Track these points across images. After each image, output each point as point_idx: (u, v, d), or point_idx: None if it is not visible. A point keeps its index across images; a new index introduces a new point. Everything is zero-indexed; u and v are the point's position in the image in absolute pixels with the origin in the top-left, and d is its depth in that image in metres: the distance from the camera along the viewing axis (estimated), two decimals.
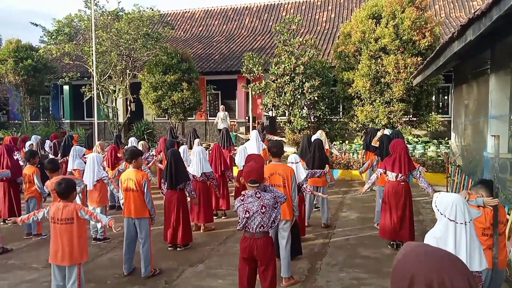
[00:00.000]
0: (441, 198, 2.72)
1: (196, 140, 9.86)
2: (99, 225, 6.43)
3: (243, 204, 3.74)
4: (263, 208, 3.68)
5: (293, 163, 5.75)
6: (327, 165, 6.97)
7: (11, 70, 18.24)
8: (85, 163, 7.16)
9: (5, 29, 58.69)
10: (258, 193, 3.74)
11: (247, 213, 3.70)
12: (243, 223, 3.75)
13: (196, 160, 6.80)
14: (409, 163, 5.79)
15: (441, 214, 2.66)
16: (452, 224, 2.60)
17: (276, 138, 11.87)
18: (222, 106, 17.12)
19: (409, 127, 13.15)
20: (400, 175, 5.75)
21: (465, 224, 2.60)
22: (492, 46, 6.16)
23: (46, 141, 11.11)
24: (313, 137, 8.04)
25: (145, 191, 5.03)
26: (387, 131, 8.90)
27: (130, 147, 5.43)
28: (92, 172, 6.38)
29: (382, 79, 12.34)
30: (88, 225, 6.45)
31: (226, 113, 16.55)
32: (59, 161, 5.93)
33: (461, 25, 4.99)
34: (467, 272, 1.17)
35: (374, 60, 12.41)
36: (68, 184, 4.05)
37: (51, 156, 9.86)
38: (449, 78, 12.55)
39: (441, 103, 17.07)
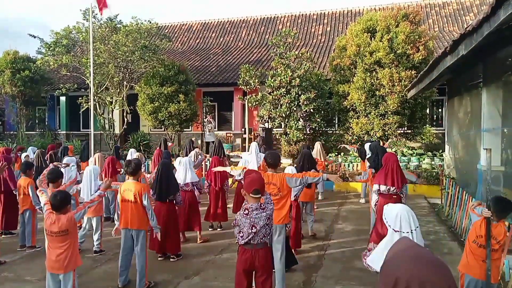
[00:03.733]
0: (387, 210, 2.81)
1: (193, 152, 9.88)
2: (95, 237, 6.40)
3: (249, 219, 3.59)
4: (268, 219, 3.63)
5: None
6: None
7: (8, 81, 18.28)
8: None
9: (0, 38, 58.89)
10: (262, 204, 3.63)
11: (253, 228, 3.56)
12: (250, 237, 3.60)
13: (181, 170, 6.85)
14: (401, 176, 5.82)
15: (389, 225, 2.74)
16: (397, 235, 2.66)
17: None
18: (207, 118, 17.11)
19: (404, 139, 13.26)
20: (392, 188, 5.77)
21: (411, 233, 2.66)
22: (484, 61, 6.28)
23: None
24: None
25: (146, 204, 4.99)
26: (367, 145, 8.91)
27: (133, 159, 5.43)
28: (89, 185, 6.35)
29: (377, 92, 12.47)
30: (84, 238, 6.45)
31: (211, 124, 16.53)
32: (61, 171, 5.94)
33: (453, 40, 5.10)
34: (451, 281, 1.18)
35: (369, 73, 12.56)
36: (63, 197, 4.04)
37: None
38: (443, 91, 12.69)
39: (435, 116, 17.23)
